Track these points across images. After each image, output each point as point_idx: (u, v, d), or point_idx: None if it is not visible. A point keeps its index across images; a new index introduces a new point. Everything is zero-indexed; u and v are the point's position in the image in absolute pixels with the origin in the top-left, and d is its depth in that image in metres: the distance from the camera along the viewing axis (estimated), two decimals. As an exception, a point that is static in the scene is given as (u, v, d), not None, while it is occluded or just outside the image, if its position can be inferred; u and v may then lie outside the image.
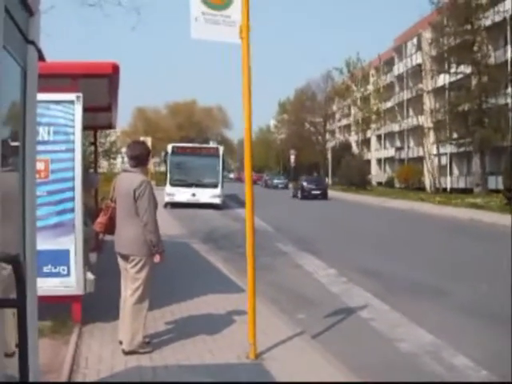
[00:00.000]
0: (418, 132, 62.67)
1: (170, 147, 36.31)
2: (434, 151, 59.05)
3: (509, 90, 46.69)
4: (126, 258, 6.70)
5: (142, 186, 6.51)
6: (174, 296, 9.49)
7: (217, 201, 33.99)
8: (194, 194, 33.91)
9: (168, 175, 35.31)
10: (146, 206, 6.50)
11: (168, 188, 34.53)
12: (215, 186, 34.33)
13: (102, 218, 7.01)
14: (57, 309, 7.21)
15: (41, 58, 2.96)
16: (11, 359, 2.37)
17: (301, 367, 6.32)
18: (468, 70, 52.07)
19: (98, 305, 8.27)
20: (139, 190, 6.48)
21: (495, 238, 21.08)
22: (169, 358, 6.51)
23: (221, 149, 36.27)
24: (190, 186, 34.15)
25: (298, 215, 31.24)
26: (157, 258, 6.62)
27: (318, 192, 49.07)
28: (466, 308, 9.77)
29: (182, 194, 33.79)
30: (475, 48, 49.99)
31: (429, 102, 58.80)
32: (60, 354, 6.40)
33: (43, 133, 7.14)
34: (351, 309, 9.54)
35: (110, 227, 6.92)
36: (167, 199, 33.78)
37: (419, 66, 61.91)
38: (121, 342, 6.73)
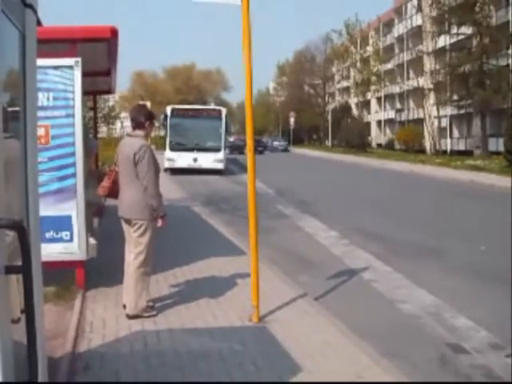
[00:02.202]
0: (418, 94, 62.33)
1: (169, 109, 33.90)
2: (434, 113, 58.84)
3: (510, 51, 46.28)
4: (129, 222, 6.73)
5: (142, 150, 6.52)
6: (176, 259, 9.53)
7: (219, 166, 32.45)
8: (195, 159, 32.26)
9: (167, 139, 33.26)
10: (146, 170, 6.51)
11: (168, 153, 32.75)
12: (218, 150, 32.55)
13: (106, 182, 7.02)
14: (60, 274, 7.23)
15: (38, 22, 2.91)
16: (17, 325, 2.38)
17: (304, 329, 6.36)
18: (469, 30, 51.58)
19: (101, 270, 8.31)
20: (139, 155, 6.49)
21: (495, 200, 21.11)
22: (173, 321, 6.56)
23: (223, 111, 34.03)
24: (191, 150, 32.36)
25: (296, 177, 31.16)
26: (159, 223, 6.65)
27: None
28: (468, 269, 9.82)
29: (183, 159, 32.16)
30: (476, 8, 49.43)
31: (429, 64, 58.39)
32: (65, 320, 6.45)
33: (43, 98, 7.07)
34: (353, 270, 9.59)
35: (114, 191, 6.93)
36: (167, 165, 32.01)
37: (419, 27, 61.35)
38: (125, 306, 6.77)
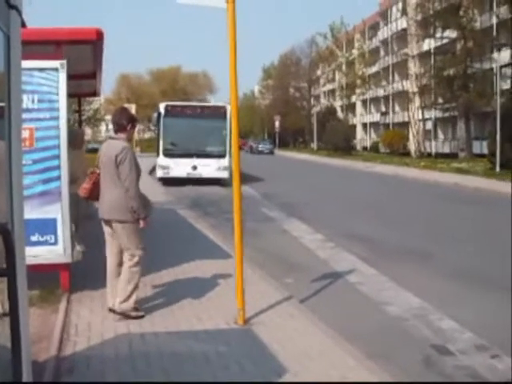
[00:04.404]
0: (403, 97, 62.69)
1: (162, 107, 27.88)
2: (419, 116, 59.14)
3: (494, 54, 46.61)
4: (109, 223, 6.77)
5: (123, 152, 6.58)
6: (162, 262, 9.50)
7: (224, 175, 26.61)
8: (195, 167, 26.95)
9: (161, 143, 27.47)
10: (127, 172, 6.56)
11: (161, 159, 27.29)
12: (222, 155, 26.93)
13: (86, 184, 7.02)
14: (45, 278, 7.20)
15: (22, 24, 2.90)
16: (1, 329, 2.37)
17: (289, 332, 6.36)
18: (453, 34, 51.91)
19: (86, 273, 8.27)
20: (120, 156, 6.55)
21: (480, 203, 21.26)
22: (158, 323, 6.54)
23: (228, 108, 25.54)
24: (189, 156, 26.98)
25: (281, 180, 31.16)
26: (141, 224, 6.68)
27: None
28: (452, 271, 9.86)
29: (180, 167, 26.79)
30: (461, 12, 49.78)
31: (414, 67, 58.71)
32: (49, 323, 6.41)
33: (27, 101, 7.03)
34: (338, 273, 9.60)
35: (95, 193, 6.92)
36: (160, 174, 27.25)
37: (404, 30, 61.65)
38: (110, 310, 6.77)
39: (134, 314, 6.71)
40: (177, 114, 27.57)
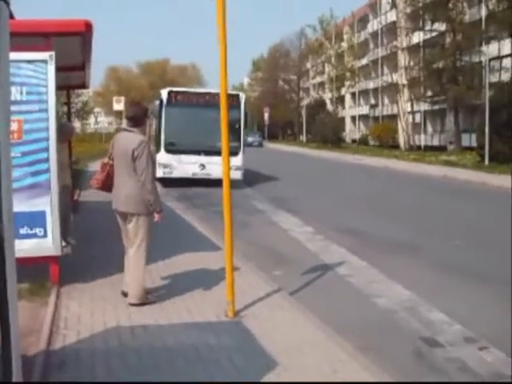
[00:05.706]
0: (392, 89, 62.76)
1: (165, 93, 23.02)
2: (409, 109, 59.28)
3: (483, 47, 46.77)
4: (124, 215, 6.86)
5: (141, 146, 6.63)
6: (151, 255, 9.47)
7: (237, 175, 21.09)
8: (203, 166, 22.53)
9: (162, 137, 22.72)
10: (145, 166, 6.62)
11: (163, 156, 22.43)
12: (235, 152, 21.14)
13: (99, 175, 7.12)
14: (34, 271, 7.17)
15: (10, 15, 2.88)
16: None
17: (279, 324, 6.36)
18: (442, 27, 52.10)
19: (76, 266, 8.24)
20: (138, 150, 6.60)
21: (469, 195, 21.34)
22: (147, 317, 6.52)
23: (242, 97, 23.34)
24: (196, 153, 22.54)
25: (271, 172, 31.17)
26: (156, 217, 6.81)
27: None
28: (442, 264, 9.89)
29: (186, 166, 22.44)
30: (450, 5, 49.91)
31: (403, 60, 58.81)
32: (39, 316, 6.39)
33: (16, 93, 6.98)
34: (328, 265, 9.60)
35: (108, 184, 7.03)
36: (161, 173, 21.79)
37: (394, 23, 61.73)
38: (125, 294, 7.01)
39: (147, 300, 6.94)
40: (182, 102, 23.14)
